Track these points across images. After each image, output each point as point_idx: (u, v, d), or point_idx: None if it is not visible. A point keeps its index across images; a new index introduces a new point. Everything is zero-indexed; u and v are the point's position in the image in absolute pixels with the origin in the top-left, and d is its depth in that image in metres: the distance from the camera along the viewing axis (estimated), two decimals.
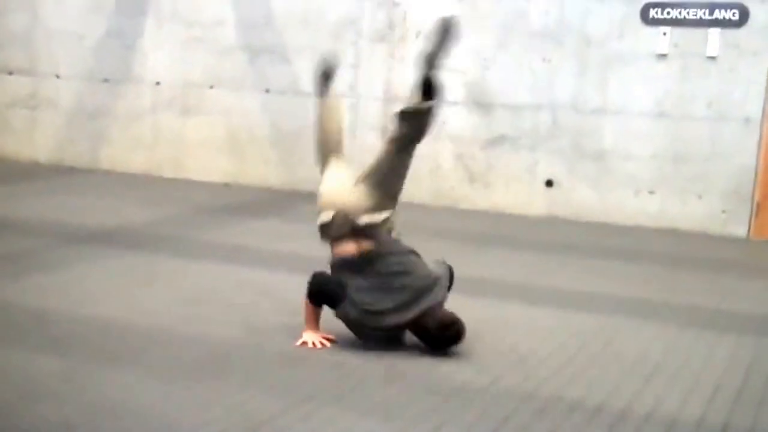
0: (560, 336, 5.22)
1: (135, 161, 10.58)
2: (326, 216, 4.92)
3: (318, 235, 4.99)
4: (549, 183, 9.00)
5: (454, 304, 5.69)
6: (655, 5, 8.59)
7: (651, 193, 8.74)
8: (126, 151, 10.64)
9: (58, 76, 10.88)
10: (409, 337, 4.90)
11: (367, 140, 9.48)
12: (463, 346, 4.92)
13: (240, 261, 6.66)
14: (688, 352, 5.04)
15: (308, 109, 9.74)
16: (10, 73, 11.11)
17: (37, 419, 3.74)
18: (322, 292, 4.79)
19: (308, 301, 4.82)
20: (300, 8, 9.75)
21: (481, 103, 9.16)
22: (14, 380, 4.16)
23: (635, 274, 6.89)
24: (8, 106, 11.12)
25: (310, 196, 9.37)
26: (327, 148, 5.28)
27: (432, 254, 6.19)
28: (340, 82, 9.74)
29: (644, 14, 8.62)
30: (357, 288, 4.73)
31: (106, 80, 10.66)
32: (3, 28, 11.06)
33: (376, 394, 4.19)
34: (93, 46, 10.69)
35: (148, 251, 6.84)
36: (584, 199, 8.95)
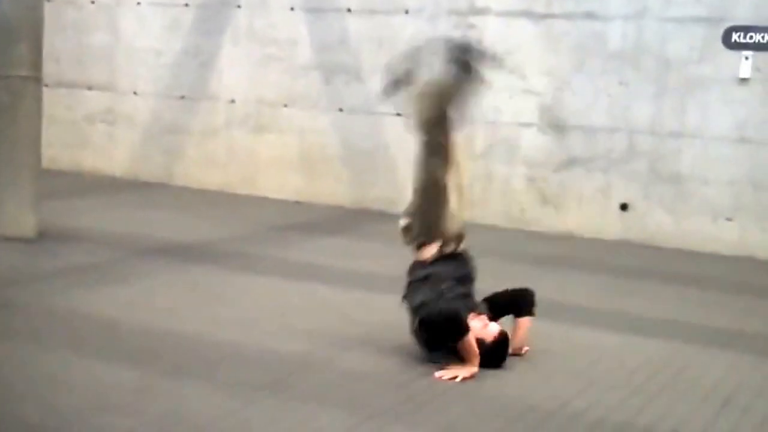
0: (630, 362, 5.13)
1: (209, 178, 10.69)
2: (405, 221, 4.97)
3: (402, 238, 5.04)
4: (624, 207, 8.84)
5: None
6: (737, 29, 8.40)
7: (729, 219, 8.54)
8: (200, 168, 10.75)
9: (135, 93, 11.07)
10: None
11: None
12: (532, 368, 4.87)
13: (309, 278, 6.66)
14: (763, 384, 4.91)
15: (380, 128, 9.78)
16: (90, 89, 11.34)
17: (104, 429, 3.78)
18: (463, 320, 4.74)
19: (467, 337, 4.68)
20: (374, 28, 9.78)
21: (555, 126, 9.07)
22: (85, 389, 4.21)
23: (710, 302, 6.73)
24: (87, 121, 11.34)
25: (380, 216, 9.52)
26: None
27: (503, 276, 6.13)
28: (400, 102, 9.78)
29: (726, 38, 8.43)
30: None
31: (182, 97, 10.81)
32: (85, 46, 11.29)
33: (442, 414, 4.16)
34: (170, 63, 10.86)
35: (220, 267, 6.88)
36: (660, 223, 8.78)
